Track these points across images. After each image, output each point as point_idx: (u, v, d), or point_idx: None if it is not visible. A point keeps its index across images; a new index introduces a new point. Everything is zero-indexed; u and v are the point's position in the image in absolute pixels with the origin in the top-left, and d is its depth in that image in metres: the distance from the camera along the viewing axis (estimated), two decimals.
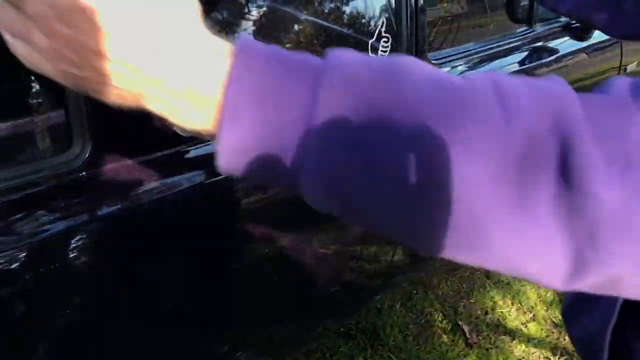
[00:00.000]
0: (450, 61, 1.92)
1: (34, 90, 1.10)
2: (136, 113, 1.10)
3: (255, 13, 1.41)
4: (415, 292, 3.00)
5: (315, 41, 1.55)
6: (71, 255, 1.09)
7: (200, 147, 1.29)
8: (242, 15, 1.39)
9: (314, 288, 1.86)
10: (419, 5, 1.71)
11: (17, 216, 1.05)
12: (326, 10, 1.57)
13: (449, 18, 2.26)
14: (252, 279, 1.55)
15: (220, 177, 1.30)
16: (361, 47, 1.62)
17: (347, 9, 1.65)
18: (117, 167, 1.16)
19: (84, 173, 1.11)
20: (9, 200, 1.02)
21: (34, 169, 1.07)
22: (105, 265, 1.18)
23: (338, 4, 1.63)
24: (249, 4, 1.39)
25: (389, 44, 1.67)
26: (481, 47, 2.07)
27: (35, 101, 1.11)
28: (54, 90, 1.10)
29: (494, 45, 2.13)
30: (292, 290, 1.75)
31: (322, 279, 1.88)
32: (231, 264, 1.46)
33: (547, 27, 2.37)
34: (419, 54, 1.75)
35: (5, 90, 1.05)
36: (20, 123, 1.09)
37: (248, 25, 1.40)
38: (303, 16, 1.50)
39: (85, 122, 1.10)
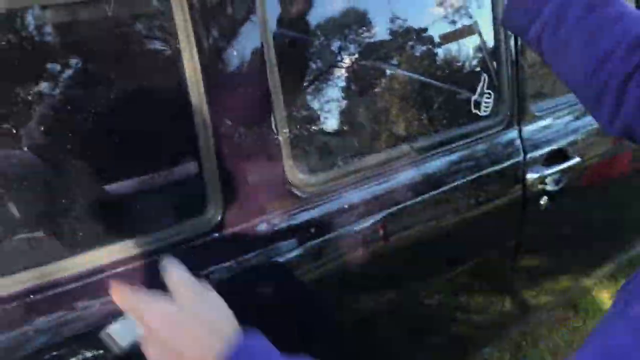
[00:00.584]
0: (554, 112, 1.93)
1: (171, 160, 1.25)
2: (262, 180, 1.21)
3: (357, 69, 1.51)
4: (524, 343, 2.92)
5: (419, 98, 1.63)
6: None
7: (314, 209, 1.38)
8: (344, 72, 1.49)
9: (422, 339, 1.89)
10: (519, 61, 1.75)
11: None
12: (430, 69, 1.65)
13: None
14: (360, 330, 1.61)
15: (331, 234, 1.40)
16: (464, 103, 1.68)
17: (450, 67, 1.73)
18: (246, 227, 1.28)
19: (216, 234, 1.24)
20: (149, 261, 1.16)
21: (172, 232, 1.20)
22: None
23: (442, 63, 1.70)
24: (352, 62, 1.49)
25: (491, 99, 1.72)
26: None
27: (172, 169, 1.25)
28: (190, 160, 1.25)
29: None
30: (399, 340, 1.78)
31: (431, 330, 1.91)
32: (338, 314, 1.53)
33: None
34: (522, 108, 1.78)
35: (145, 161, 1.20)
36: (159, 189, 1.24)
37: (350, 83, 1.50)
38: (407, 74, 1.58)
39: (218, 187, 1.23)
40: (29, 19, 1.06)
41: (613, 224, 2.46)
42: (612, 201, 2.35)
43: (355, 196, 1.44)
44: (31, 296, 1.06)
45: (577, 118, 2.00)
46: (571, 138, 1.95)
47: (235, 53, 1.22)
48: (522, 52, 1.75)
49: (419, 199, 1.55)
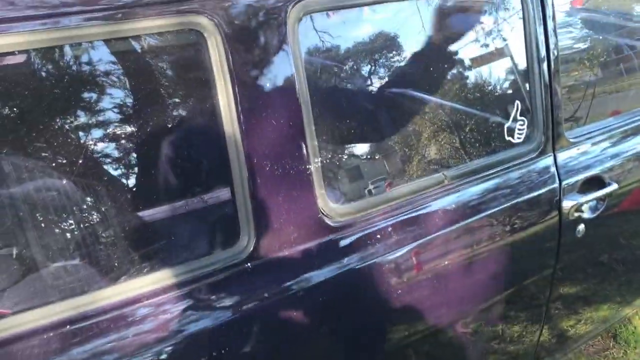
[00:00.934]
0: (589, 138, 1.90)
1: (204, 190, 1.26)
2: (294, 209, 1.22)
3: (389, 97, 1.51)
4: None
5: (451, 125, 1.62)
6: (245, 343, 1.21)
7: (347, 238, 1.38)
8: (376, 100, 1.49)
9: None
10: (553, 87, 1.73)
11: (191, 304, 1.19)
12: (463, 95, 1.64)
13: (584, 87, 2.22)
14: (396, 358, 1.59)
15: (364, 263, 1.39)
16: (498, 130, 1.66)
17: (482, 94, 1.72)
18: (278, 257, 1.28)
19: (249, 264, 1.24)
20: (182, 293, 1.16)
21: (205, 263, 1.21)
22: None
23: (474, 89, 1.69)
24: (384, 89, 1.49)
25: (524, 126, 1.70)
26: (621, 121, 2.03)
27: (205, 200, 1.27)
28: (222, 190, 1.26)
29: (634, 119, 2.08)
30: None
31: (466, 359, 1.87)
32: (371, 344, 1.51)
33: None
34: (556, 134, 1.76)
35: (178, 192, 1.22)
36: (192, 220, 1.25)
37: (382, 111, 1.50)
38: (439, 100, 1.58)
39: (251, 217, 1.24)
40: (67, 52, 1.09)
41: None
42: None
43: (387, 225, 1.43)
44: (67, 327, 1.07)
45: (613, 144, 1.97)
46: (607, 164, 1.91)
47: (267, 84, 1.24)
48: (556, 76, 1.73)
49: (453, 227, 1.54)
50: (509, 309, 1.88)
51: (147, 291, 1.15)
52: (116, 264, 1.15)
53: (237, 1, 1.19)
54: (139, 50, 1.16)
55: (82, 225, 1.14)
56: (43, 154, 1.08)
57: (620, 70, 2.48)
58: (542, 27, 1.69)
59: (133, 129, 1.18)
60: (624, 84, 2.44)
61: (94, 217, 1.15)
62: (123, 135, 1.17)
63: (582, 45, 2.22)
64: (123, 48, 1.14)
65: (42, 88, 1.07)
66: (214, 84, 1.19)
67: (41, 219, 1.09)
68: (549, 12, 1.69)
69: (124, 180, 1.18)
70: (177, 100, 1.21)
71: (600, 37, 2.40)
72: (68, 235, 1.13)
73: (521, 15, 1.66)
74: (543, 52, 1.70)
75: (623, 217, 2.07)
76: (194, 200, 1.23)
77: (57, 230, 1.11)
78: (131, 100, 1.18)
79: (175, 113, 1.20)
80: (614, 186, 1.86)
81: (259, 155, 1.24)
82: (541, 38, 1.69)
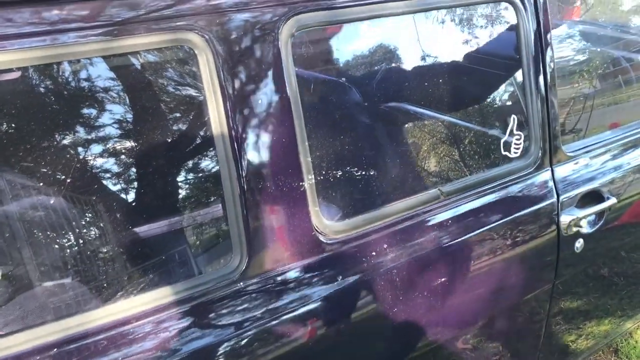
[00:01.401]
0: (588, 151, 1.88)
1: (196, 209, 1.25)
2: (288, 227, 1.20)
3: (382, 113, 1.50)
4: None
5: (447, 140, 1.61)
6: None
7: (341, 255, 1.36)
8: (370, 116, 1.48)
9: None
10: (549, 102, 1.72)
11: (181, 326, 1.17)
12: (458, 111, 1.63)
13: (581, 100, 2.21)
14: None
15: (359, 280, 1.37)
16: (494, 145, 1.65)
17: (478, 108, 1.71)
18: (272, 276, 1.26)
19: (241, 283, 1.22)
20: (174, 314, 1.14)
21: (197, 283, 1.20)
22: None
23: (470, 104, 1.69)
24: (377, 105, 1.48)
25: (521, 140, 1.69)
26: (619, 134, 2.01)
27: (196, 219, 1.25)
28: (214, 208, 1.25)
29: (632, 131, 2.06)
30: None
31: None
32: None
33: None
34: (553, 148, 1.74)
35: (170, 211, 1.20)
36: (184, 239, 1.24)
37: (376, 127, 1.49)
38: (434, 114, 1.57)
39: (243, 235, 1.22)
40: (58, 69, 1.08)
41: None
42: None
43: (383, 241, 1.41)
44: (55, 349, 1.05)
45: (611, 157, 1.95)
46: (606, 178, 1.89)
47: (260, 100, 1.22)
48: (552, 90, 1.72)
49: (449, 243, 1.52)
50: (509, 324, 1.85)
51: (137, 313, 1.13)
52: (105, 285, 1.13)
53: (228, 18, 1.18)
54: (130, 68, 1.16)
55: (71, 245, 1.12)
56: (33, 171, 1.07)
57: (618, 83, 2.47)
58: (537, 40, 1.68)
59: (125, 146, 1.16)
60: (622, 96, 2.43)
61: (84, 236, 1.14)
62: (115, 153, 1.15)
63: (579, 58, 2.21)
64: (113, 65, 1.13)
65: (35, 104, 1.06)
66: (205, 100, 1.18)
67: (26, 236, 1.08)
68: (544, 25, 1.68)
69: (114, 198, 1.17)
70: (168, 117, 1.20)
71: (598, 50, 2.39)
72: (55, 255, 1.11)
73: (516, 29, 1.65)
74: (539, 66, 1.69)
75: (623, 230, 2.05)
76: (185, 219, 1.22)
77: (44, 250, 1.10)
78: (122, 118, 1.17)
79: (166, 130, 1.19)
80: (613, 200, 1.85)
81: (252, 172, 1.22)
82: (537, 51, 1.68)
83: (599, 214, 1.84)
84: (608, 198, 1.85)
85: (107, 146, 1.15)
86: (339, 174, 1.40)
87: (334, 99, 1.40)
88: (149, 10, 1.10)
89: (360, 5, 1.35)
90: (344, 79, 1.42)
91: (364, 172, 1.43)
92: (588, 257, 1.87)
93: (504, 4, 1.65)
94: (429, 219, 1.50)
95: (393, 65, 1.53)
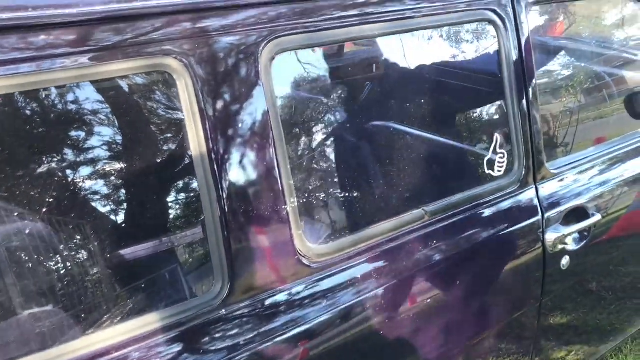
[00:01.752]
0: (572, 168, 1.89)
1: (176, 234, 1.23)
2: (270, 251, 1.19)
3: (364, 134, 1.50)
4: None
5: (430, 160, 1.60)
6: None
7: (325, 278, 1.35)
8: (351, 137, 1.48)
9: None
10: (532, 119, 1.72)
11: (163, 355, 1.15)
12: (441, 130, 1.63)
13: (565, 116, 2.21)
14: None
15: (343, 303, 1.35)
16: (478, 163, 1.65)
17: (461, 127, 1.71)
18: (254, 301, 1.25)
19: (223, 311, 1.21)
20: (154, 343, 1.12)
21: (178, 310, 1.18)
22: None
23: (452, 122, 1.69)
24: (359, 126, 1.48)
25: (504, 159, 1.69)
26: (603, 150, 2.02)
27: (177, 247, 1.24)
28: (195, 233, 1.23)
29: (616, 147, 2.07)
30: None
31: None
32: None
33: None
34: (537, 166, 1.74)
35: (150, 236, 1.19)
36: (164, 265, 1.22)
37: (358, 148, 1.48)
38: (420, 135, 1.57)
39: (225, 261, 1.21)
40: (35, 96, 1.07)
41: None
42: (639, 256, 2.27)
43: (367, 264, 1.40)
44: None
45: (596, 173, 1.96)
46: (591, 194, 1.90)
47: (240, 124, 1.22)
48: (534, 107, 1.72)
49: (434, 264, 1.51)
50: (497, 342, 1.84)
51: (117, 343, 1.11)
52: (84, 315, 1.11)
53: (207, 42, 1.17)
54: (108, 94, 1.14)
55: (47, 274, 1.10)
56: (9, 196, 1.05)
57: (602, 98, 2.48)
58: (519, 58, 1.68)
59: (105, 171, 1.15)
60: (607, 110, 2.44)
61: (60, 265, 1.12)
62: (94, 178, 1.14)
63: (562, 75, 2.22)
64: (92, 91, 1.12)
65: (11, 130, 1.05)
66: (185, 125, 1.17)
67: None
68: (525, 43, 1.69)
69: (93, 223, 1.15)
70: (147, 143, 1.19)
71: (581, 65, 2.40)
72: (30, 285, 1.09)
73: (497, 47, 1.66)
74: (521, 84, 1.70)
75: (610, 245, 2.05)
76: (165, 245, 1.20)
77: (18, 280, 1.08)
78: (101, 144, 1.15)
79: (146, 156, 1.18)
80: (597, 217, 1.85)
81: (233, 196, 1.21)
82: (518, 69, 1.68)
83: (585, 231, 1.83)
84: (593, 215, 1.85)
85: (87, 171, 1.13)
86: (322, 196, 1.39)
87: (316, 121, 1.40)
88: (126, 37, 1.09)
89: (340, 28, 1.35)
90: (326, 100, 1.42)
91: (347, 194, 1.42)
92: (575, 273, 1.86)
93: (484, 23, 1.66)
94: (414, 239, 1.49)
95: (375, 85, 1.53)
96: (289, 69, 1.35)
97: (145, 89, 1.17)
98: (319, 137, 1.38)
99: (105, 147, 1.15)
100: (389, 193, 1.49)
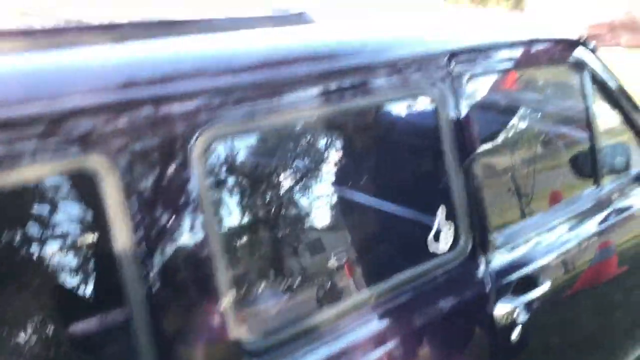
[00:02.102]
0: (520, 237, 1.88)
1: (104, 338, 1.18)
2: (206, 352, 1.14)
3: (308, 217, 1.48)
4: None
5: (376, 236, 1.59)
6: None
7: None
8: (287, 223, 1.45)
9: None
10: (476, 188, 1.72)
11: None
12: (386, 206, 1.62)
13: (513, 181, 2.22)
14: None
15: None
16: (425, 233, 1.62)
17: (407, 201, 1.70)
18: None
19: None
20: None
21: None
22: None
23: (393, 195, 1.68)
24: (292, 209, 1.46)
25: (451, 231, 1.67)
26: (551, 216, 2.03)
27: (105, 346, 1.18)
28: (124, 333, 1.18)
29: (565, 210, 2.09)
30: None
31: None
32: None
33: (616, 183, 2.31)
34: (483, 237, 1.73)
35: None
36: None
37: (293, 235, 1.46)
38: (361, 211, 1.55)
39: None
40: None
41: (602, 339, 2.36)
42: (597, 316, 2.26)
43: (310, 357, 1.36)
44: None
45: (545, 240, 1.96)
46: (541, 262, 1.89)
47: (171, 222, 1.18)
48: (477, 175, 1.71)
49: (382, 347, 1.47)
50: None
51: None
52: None
53: (134, 138, 1.14)
54: (31, 197, 1.11)
55: None
56: None
57: (550, 158, 2.51)
58: (459, 129, 1.68)
59: (34, 272, 1.11)
60: (554, 173, 2.47)
61: None
62: (24, 279, 1.10)
63: (507, 139, 2.25)
64: (13, 196, 1.08)
65: None
66: (110, 226, 1.12)
67: None
68: (465, 116, 1.69)
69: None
70: (72, 248, 1.15)
71: (526, 128, 2.44)
72: None
73: (435, 113, 1.64)
74: (464, 154, 1.69)
75: (564, 307, 2.05)
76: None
77: None
78: (26, 250, 1.11)
79: (71, 264, 1.14)
80: (548, 285, 1.84)
81: (164, 297, 1.17)
82: (459, 141, 1.68)
83: (535, 301, 1.82)
84: (543, 283, 1.84)
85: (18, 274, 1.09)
86: (262, 288, 1.35)
87: (254, 212, 1.37)
88: (44, 137, 1.05)
89: (275, 113, 1.34)
90: (263, 188, 1.40)
91: (286, 284, 1.39)
92: (526, 347, 1.84)
93: (425, 97, 1.67)
94: (358, 325, 1.45)
95: (315, 166, 1.52)
96: (226, 158, 1.33)
97: (69, 190, 1.14)
98: (257, 228, 1.36)
99: (32, 258, 1.11)
100: (331, 277, 1.47)
